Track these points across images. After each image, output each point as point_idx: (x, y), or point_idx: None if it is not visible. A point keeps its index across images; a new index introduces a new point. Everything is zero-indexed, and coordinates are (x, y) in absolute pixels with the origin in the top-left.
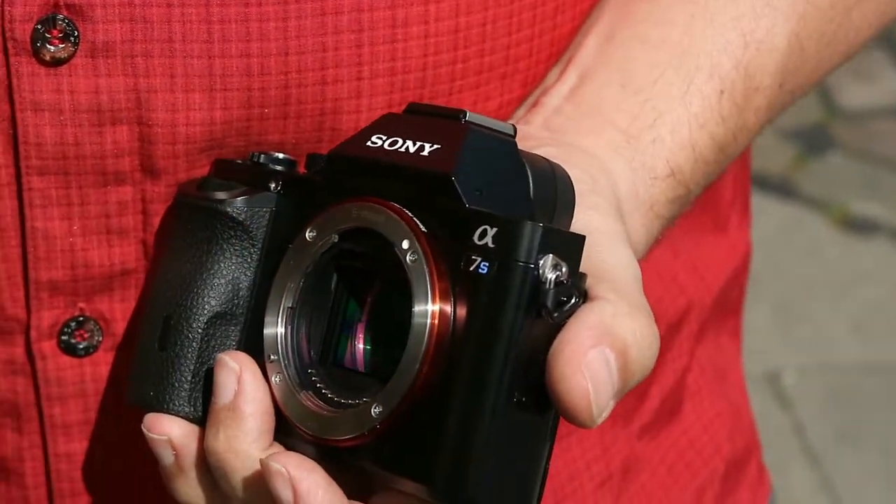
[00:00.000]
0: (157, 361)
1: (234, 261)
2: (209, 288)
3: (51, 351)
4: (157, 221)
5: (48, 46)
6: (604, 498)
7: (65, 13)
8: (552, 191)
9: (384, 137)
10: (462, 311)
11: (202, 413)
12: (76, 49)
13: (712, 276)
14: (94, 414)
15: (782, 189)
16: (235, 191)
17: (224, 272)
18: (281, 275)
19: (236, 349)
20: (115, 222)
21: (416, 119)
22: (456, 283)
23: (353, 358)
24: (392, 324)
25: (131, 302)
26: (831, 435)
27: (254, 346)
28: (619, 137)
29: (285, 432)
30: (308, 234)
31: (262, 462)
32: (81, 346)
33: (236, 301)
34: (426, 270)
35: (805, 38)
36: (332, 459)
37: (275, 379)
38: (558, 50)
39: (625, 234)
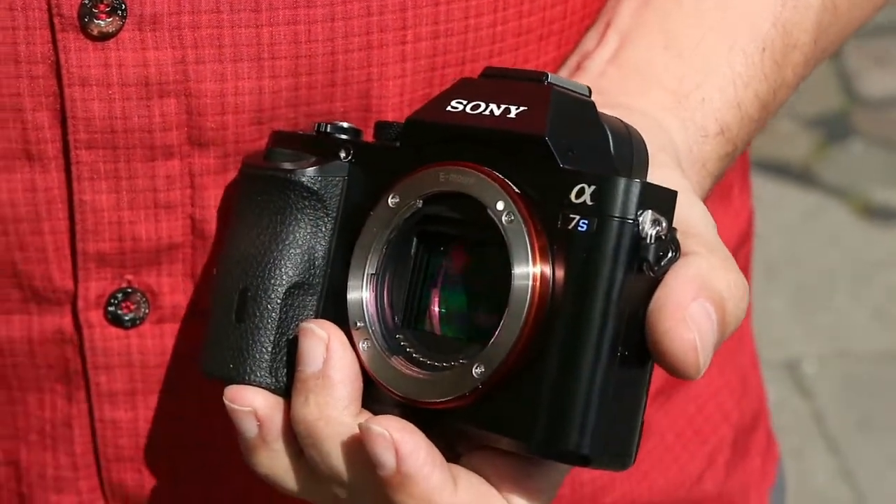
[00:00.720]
0: (234, 334)
1: (308, 230)
2: (286, 258)
3: (97, 321)
4: (205, 196)
5: (96, 21)
6: None
7: None
8: (629, 149)
9: (465, 102)
10: (560, 271)
11: (284, 384)
12: (123, 23)
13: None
14: (140, 384)
15: (803, 177)
16: (305, 161)
17: (300, 242)
18: (362, 242)
19: (314, 318)
20: (162, 196)
21: (496, 83)
22: (553, 241)
23: (437, 321)
24: (482, 286)
25: (178, 276)
26: (851, 423)
27: (332, 314)
28: (668, 98)
29: (372, 398)
30: (391, 201)
31: (361, 426)
32: (128, 318)
33: (312, 271)
34: (524, 230)
35: None
36: (423, 422)
37: (362, 346)
38: (590, 12)
39: (693, 189)
